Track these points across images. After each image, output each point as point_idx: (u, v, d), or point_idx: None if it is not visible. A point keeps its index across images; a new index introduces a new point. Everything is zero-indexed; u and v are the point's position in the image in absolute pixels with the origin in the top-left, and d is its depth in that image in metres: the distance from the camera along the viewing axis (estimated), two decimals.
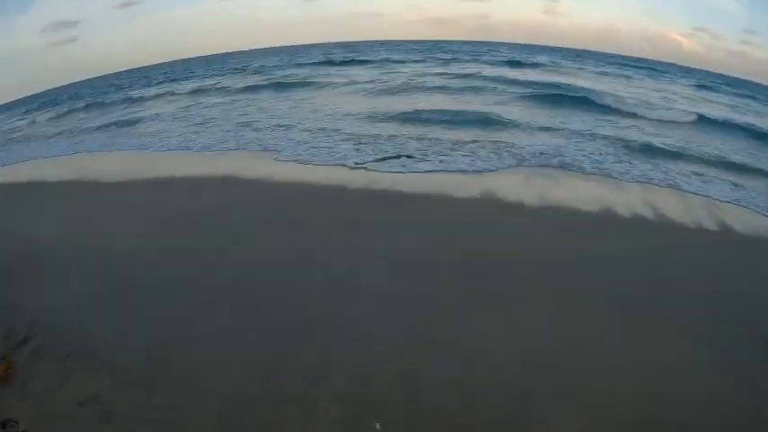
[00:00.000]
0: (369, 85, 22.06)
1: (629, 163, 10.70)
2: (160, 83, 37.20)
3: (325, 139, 12.42)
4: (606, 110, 17.22)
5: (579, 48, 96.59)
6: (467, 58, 36.50)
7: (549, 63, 35.02)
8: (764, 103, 29.02)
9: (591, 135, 13.15)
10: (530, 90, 19.92)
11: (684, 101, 22.59)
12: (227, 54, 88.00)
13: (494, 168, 9.77)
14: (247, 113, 17.97)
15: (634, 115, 16.90)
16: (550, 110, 16.63)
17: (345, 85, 23.08)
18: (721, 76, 65.26)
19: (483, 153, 10.76)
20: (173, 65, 73.54)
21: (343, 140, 12.16)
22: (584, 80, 25.55)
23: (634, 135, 13.59)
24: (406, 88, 20.86)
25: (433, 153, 10.70)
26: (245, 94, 24.00)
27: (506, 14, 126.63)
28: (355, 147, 11.48)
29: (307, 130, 13.66)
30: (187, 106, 22.10)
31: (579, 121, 15.12)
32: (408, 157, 10.36)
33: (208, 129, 15.68)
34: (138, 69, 75.32)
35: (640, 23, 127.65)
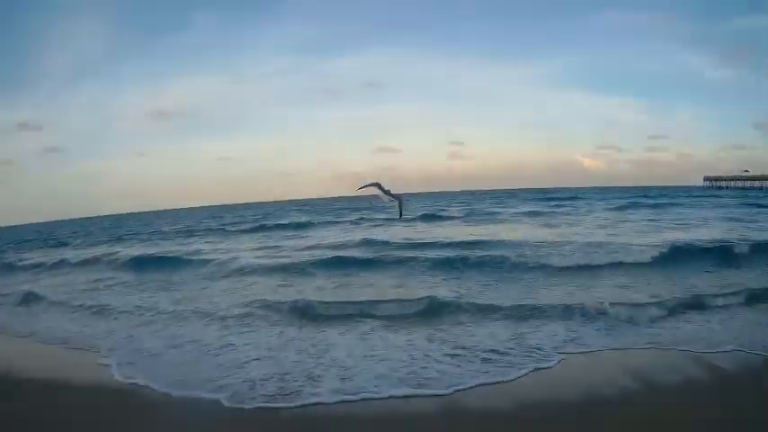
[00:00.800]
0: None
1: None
2: None
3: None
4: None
5: (489, 188, 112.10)
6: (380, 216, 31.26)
7: (467, 213, 33.08)
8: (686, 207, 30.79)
9: None
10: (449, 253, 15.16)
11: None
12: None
13: None
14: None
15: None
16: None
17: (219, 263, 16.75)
18: (628, 189, 75.45)
19: None
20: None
21: None
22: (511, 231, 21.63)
23: None
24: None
25: None
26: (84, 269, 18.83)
27: (416, 163, 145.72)
28: None
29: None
30: None
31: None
32: None
33: None
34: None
35: (547, 153, 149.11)
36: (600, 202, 38.39)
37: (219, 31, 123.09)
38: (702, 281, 10.80)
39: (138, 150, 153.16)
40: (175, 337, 8.61)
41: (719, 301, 8.86)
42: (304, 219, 35.72)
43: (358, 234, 22.40)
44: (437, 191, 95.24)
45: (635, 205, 33.53)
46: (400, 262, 14.60)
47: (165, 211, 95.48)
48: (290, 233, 26.97)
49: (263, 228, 31.03)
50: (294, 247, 19.98)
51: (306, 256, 16.97)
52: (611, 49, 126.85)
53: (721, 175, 79.90)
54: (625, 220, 24.75)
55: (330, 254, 16.72)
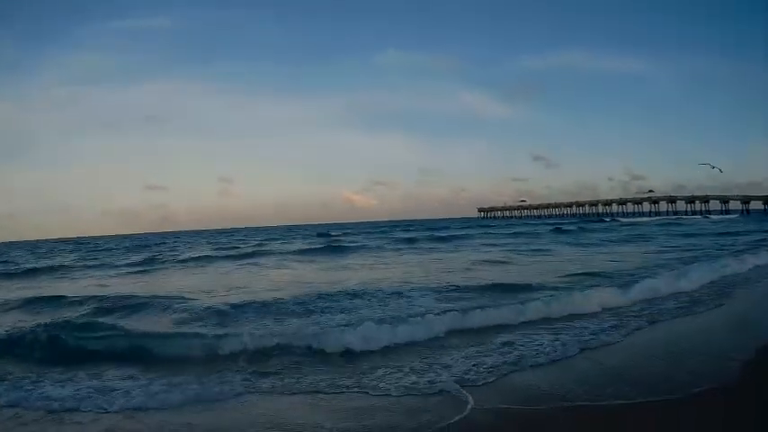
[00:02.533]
0: None
1: None
2: None
3: None
4: None
5: (257, 225, 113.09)
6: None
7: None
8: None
9: None
10: None
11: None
12: None
13: None
14: None
15: None
16: None
17: None
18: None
19: None
20: None
21: None
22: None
23: None
24: None
25: None
26: None
27: (185, 201, 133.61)
28: None
29: None
30: None
31: None
32: None
33: None
34: None
35: (314, 191, 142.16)
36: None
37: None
38: None
39: None
40: None
41: None
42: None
43: None
44: (206, 229, 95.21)
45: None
46: None
47: None
48: None
49: None
50: None
51: None
52: (389, 88, 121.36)
53: (494, 206, 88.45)
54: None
55: None
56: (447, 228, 50.19)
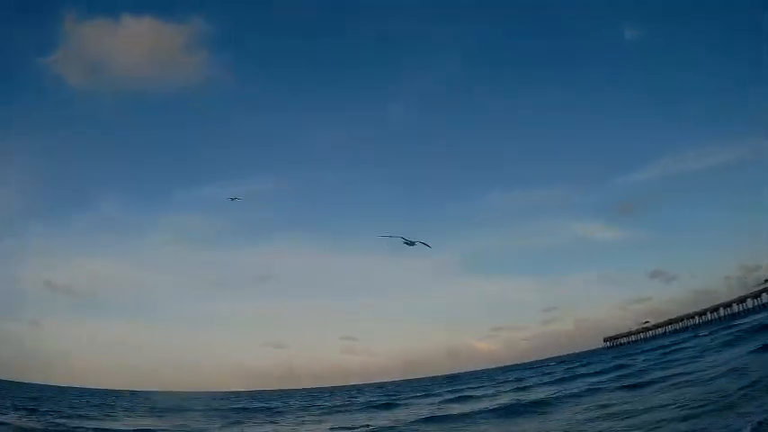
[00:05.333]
0: None
1: None
2: None
3: None
4: None
5: (386, 379, 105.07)
6: None
7: None
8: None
9: None
10: None
11: None
12: None
13: None
14: None
15: None
16: None
17: None
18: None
19: None
20: None
21: None
22: None
23: None
24: None
25: None
26: None
27: (308, 358, 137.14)
28: None
29: None
30: None
31: None
32: None
33: None
34: None
35: (438, 342, 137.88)
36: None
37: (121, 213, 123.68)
38: None
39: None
40: None
41: None
42: None
43: None
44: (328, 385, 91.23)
45: None
46: None
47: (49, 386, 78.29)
48: None
49: None
50: None
51: None
52: (504, 230, 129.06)
53: (620, 332, 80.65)
54: None
55: None
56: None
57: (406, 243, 14.74)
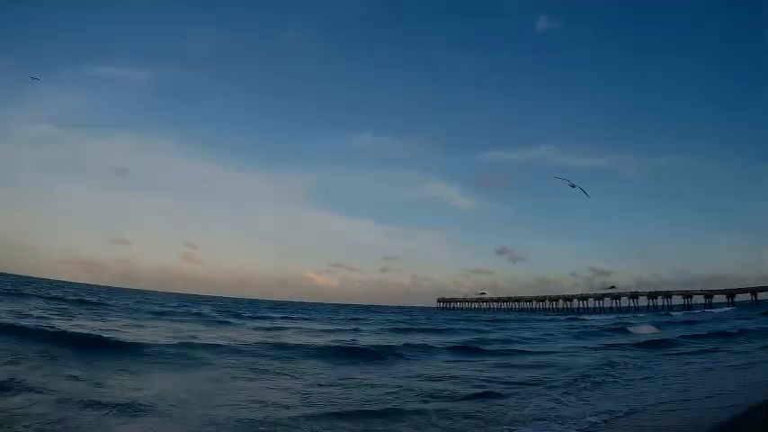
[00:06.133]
0: None
1: None
2: None
3: None
4: None
5: (218, 294, 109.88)
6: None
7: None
8: None
9: None
10: None
11: None
12: None
13: None
14: None
15: None
16: None
17: None
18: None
19: None
20: None
21: None
22: None
23: None
24: None
25: None
26: None
27: (147, 259, 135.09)
28: None
29: None
30: None
31: None
32: None
33: None
34: None
35: (275, 266, 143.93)
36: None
37: None
38: None
39: None
40: None
41: None
42: None
43: None
44: (170, 291, 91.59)
45: None
46: None
47: None
48: None
49: None
50: None
51: None
52: (360, 172, 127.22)
53: (455, 296, 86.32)
54: None
55: None
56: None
57: (571, 186, 18.85)
